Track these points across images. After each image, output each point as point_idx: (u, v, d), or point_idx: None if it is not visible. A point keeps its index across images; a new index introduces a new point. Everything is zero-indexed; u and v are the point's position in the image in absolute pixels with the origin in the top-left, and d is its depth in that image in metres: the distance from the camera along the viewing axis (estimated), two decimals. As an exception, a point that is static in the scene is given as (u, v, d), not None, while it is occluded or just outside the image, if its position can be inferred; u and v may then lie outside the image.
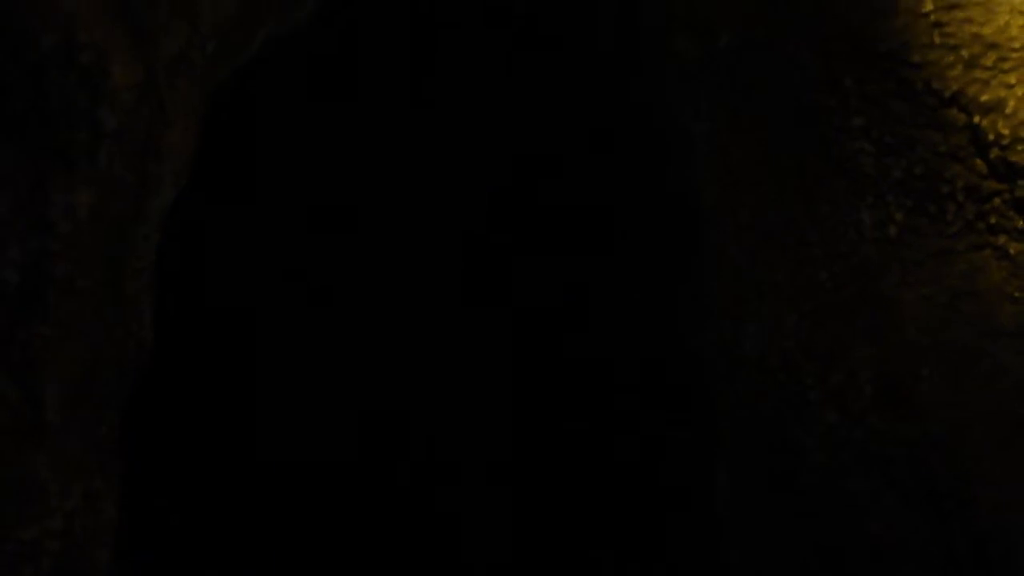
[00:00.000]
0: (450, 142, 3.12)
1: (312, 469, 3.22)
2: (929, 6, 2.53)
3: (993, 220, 2.54)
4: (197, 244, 2.83)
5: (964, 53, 2.51)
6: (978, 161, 2.53)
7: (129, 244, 1.88)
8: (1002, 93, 2.48)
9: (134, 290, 1.88)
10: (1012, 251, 2.53)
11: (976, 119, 2.50)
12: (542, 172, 3.08)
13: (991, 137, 2.49)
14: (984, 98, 2.49)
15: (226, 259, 3.03)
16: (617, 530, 3.07)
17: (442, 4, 3.08)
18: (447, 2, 3.07)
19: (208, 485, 3.17)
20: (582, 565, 3.10)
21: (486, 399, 3.20)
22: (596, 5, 2.85)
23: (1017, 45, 2.47)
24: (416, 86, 3.12)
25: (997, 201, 2.52)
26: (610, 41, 2.83)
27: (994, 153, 2.50)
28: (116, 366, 1.81)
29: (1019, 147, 2.47)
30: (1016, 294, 2.54)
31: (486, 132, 3.10)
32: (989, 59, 2.49)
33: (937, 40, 2.53)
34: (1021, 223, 2.51)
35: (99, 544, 1.77)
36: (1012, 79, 2.47)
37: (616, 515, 3.07)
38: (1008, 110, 2.47)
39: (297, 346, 3.18)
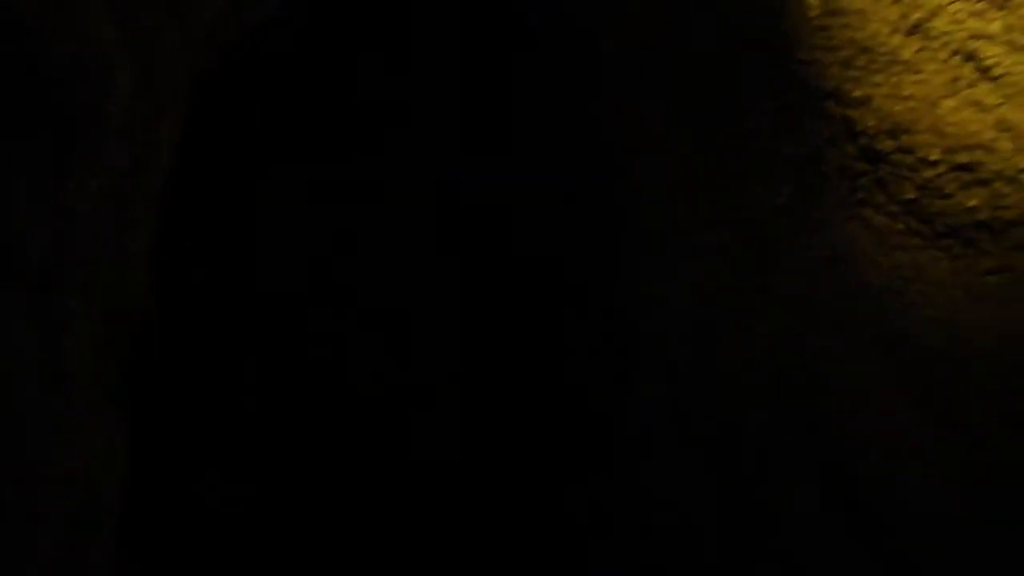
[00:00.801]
0: (417, 126, 3.50)
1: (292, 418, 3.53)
2: (815, 12, 2.96)
3: (862, 196, 2.99)
4: (189, 220, 3.18)
5: (842, 54, 2.94)
6: (850, 147, 2.97)
7: (131, 219, 2.17)
8: (870, 90, 2.91)
9: (137, 260, 2.18)
10: (876, 222, 2.99)
11: (849, 111, 2.94)
12: (504, 145, 3.47)
13: (860, 128, 2.94)
14: (856, 94, 2.93)
15: (214, 236, 3.39)
16: (544, 466, 3.49)
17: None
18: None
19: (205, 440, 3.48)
20: (515, 491, 3.49)
21: (441, 333, 3.59)
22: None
23: (883, 50, 2.89)
24: (387, 69, 3.48)
25: (865, 180, 2.98)
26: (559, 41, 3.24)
27: (863, 141, 2.94)
28: (124, 325, 2.14)
29: (882, 137, 2.91)
30: (879, 259, 3.01)
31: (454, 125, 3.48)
32: (861, 61, 2.92)
33: (820, 42, 2.96)
34: (883, 199, 2.97)
35: (113, 484, 2.09)
36: (879, 79, 2.90)
37: (543, 452, 3.49)
38: (874, 105, 2.91)
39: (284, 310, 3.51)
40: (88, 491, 2.12)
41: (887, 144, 2.91)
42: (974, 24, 2.78)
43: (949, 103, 2.83)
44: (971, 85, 2.79)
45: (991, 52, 2.77)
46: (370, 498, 3.53)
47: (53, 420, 2.07)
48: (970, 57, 2.80)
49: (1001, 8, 2.75)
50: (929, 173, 2.88)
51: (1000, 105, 2.76)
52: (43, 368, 2.07)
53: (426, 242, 3.54)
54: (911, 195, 2.92)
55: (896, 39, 2.87)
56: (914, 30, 2.85)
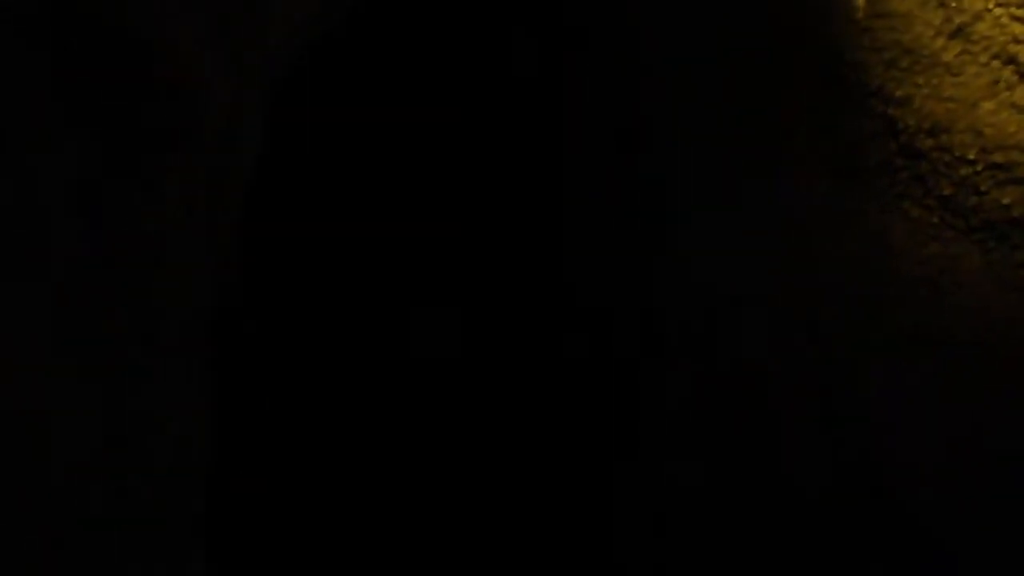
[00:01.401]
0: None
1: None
2: (861, 14, 3.07)
3: (899, 190, 3.12)
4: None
5: (886, 55, 3.06)
6: (891, 143, 3.10)
7: (221, 220, 2.33)
8: (911, 90, 3.04)
9: (226, 258, 2.35)
10: (912, 215, 3.13)
11: (890, 110, 3.07)
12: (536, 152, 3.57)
13: (900, 125, 3.07)
14: (898, 93, 3.06)
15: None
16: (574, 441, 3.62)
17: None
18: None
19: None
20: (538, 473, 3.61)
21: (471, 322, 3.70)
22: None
23: (926, 52, 3.02)
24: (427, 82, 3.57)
25: (903, 175, 3.11)
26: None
27: (903, 138, 3.07)
28: (214, 321, 2.32)
29: (921, 135, 3.05)
30: (914, 249, 3.15)
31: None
32: (904, 62, 3.05)
33: (865, 43, 3.08)
34: (920, 193, 3.10)
35: (199, 464, 2.28)
36: (920, 80, 3.03)
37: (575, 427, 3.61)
38: (915, 105, 3.04)
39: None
40: (176, 478, 2.27)
41: (926, 142, 3.04)
42: (1016, 29, 2.91)
43: (988, 105, 2.96)
44: (1010, 88, 2.93)
45: (1031, 57, 2.90)
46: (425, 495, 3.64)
47: (146, 411, 2.21)
48: (1010, 61, 2.92)
49: (1042, 15, 2.87)
50: (966, 171, 3.02)
51: (1038, 108, 2.90)
52: (140, 361, 2.21)
53: (470, 231, 3.65)
54: (947, 191, 3.05)
55: (939, 42, 2.99)
56: (957, 33, 2.97)
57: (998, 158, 2.99)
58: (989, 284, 3.07)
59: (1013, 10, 2.90)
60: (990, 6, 2.92)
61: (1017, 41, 2.91)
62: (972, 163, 3.02)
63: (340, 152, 3.56)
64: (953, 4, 2.96)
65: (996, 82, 2.95)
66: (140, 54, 2.06)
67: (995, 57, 2.94)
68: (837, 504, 3.19)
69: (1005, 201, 3.00)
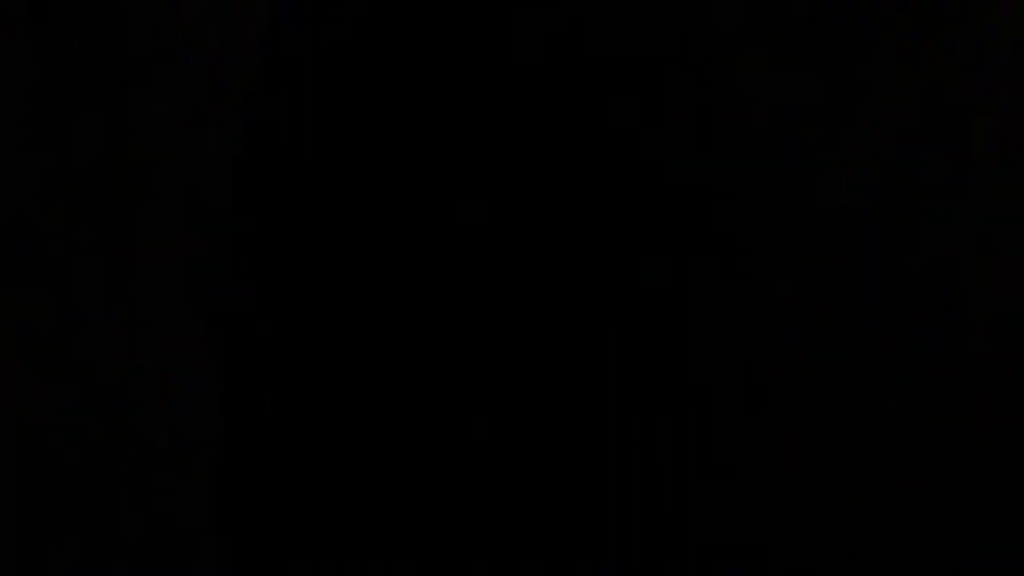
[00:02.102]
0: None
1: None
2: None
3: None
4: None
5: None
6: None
7: (212, 214, 2.26)
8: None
9: (214, 256, 2.28)
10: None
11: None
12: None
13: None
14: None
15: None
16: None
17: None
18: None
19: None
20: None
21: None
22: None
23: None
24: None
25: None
26: None
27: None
28: (202, 313, 2.19)
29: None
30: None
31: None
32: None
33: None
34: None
35: (198, 463, 2.18)
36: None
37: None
38: None
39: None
40: (176, 478, 2.25)
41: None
42: None
43: None
44: None
45: None
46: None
47: (144, 410, 2.20)
48: None
49: None
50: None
51: None
52: (138, 361, 2.19)
53: (472, 232, 3.32)
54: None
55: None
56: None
57: None
58: None
59: None
60: None
61: None
62: None
63: (336, 152, 3.26)
64: None
65: None
66: (140, 53, 2.14)
67: None
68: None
69: None
